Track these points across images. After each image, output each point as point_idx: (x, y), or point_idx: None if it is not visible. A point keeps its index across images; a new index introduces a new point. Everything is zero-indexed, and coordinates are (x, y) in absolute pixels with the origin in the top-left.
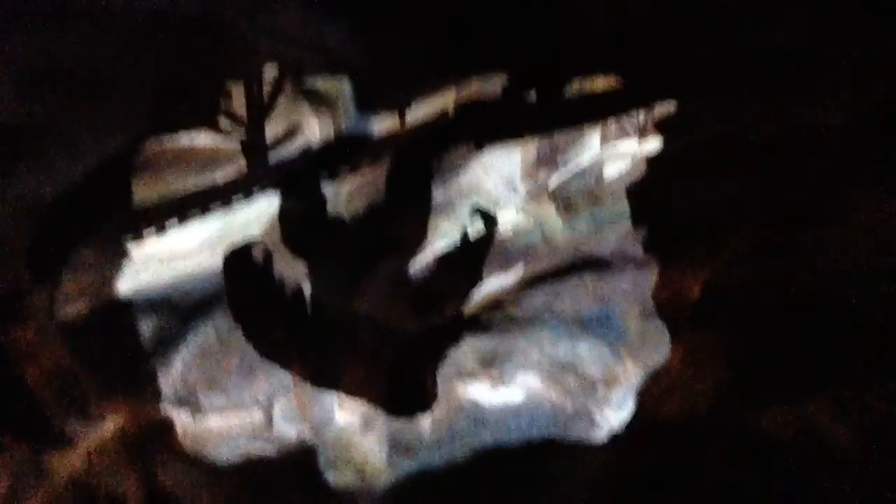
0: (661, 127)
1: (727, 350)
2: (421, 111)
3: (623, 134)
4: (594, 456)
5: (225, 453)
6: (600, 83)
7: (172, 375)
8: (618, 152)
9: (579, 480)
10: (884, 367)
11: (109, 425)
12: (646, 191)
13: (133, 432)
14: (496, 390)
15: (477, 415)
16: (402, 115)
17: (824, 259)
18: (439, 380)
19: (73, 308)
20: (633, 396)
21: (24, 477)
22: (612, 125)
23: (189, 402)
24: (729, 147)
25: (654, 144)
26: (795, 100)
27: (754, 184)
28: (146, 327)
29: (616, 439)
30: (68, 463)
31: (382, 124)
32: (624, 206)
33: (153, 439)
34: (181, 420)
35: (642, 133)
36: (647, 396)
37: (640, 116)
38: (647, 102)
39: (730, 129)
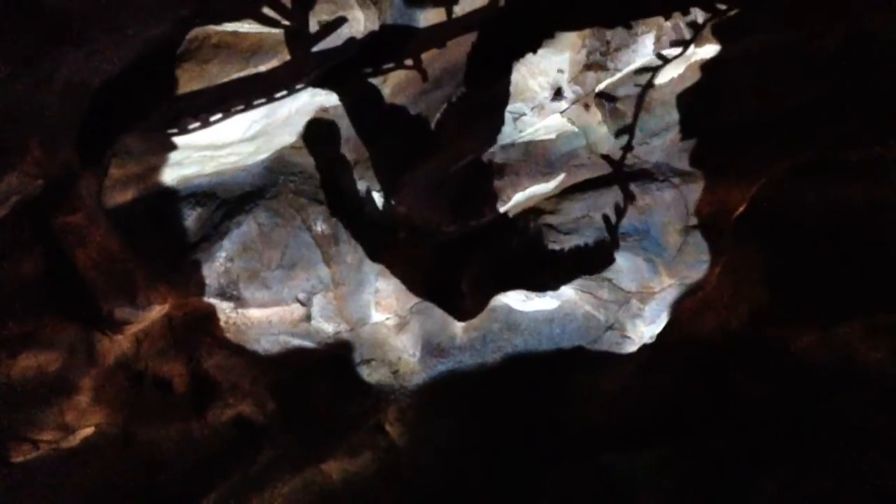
0: (719, 31)
1: (766, 270)
2: (469, 2)
3: (679, 37)
4: (623, 367)
5: (265, 344)
6: None
7: (215, 267)
8: (671, 57)
9: (607, 390)
10: None
11: (156, 312)
12: (697, 100)
13: (178, 320)
14: (530, 298)
15: (510, 321)
16: (448, 7)
17: (877, 181)
18: (475, 285)
19: (120, 196)
20: (666, 311)
21: (75, 358)
22: (668, 26)
23: (231, 294)
24: (787, 56)
25: (710, 50)
26: (865, 7)
27: (810, 97)
28: (190, 218)
29: (646, 353)
30: (117, 346)
31: (428, 16)
32: (673, 115)
33: (197, 327)
34: (224, 311)
35: (699, 37)
36: (682, 312)
37: (699, 18)
38: (706, 3)
39: (790, 36)
